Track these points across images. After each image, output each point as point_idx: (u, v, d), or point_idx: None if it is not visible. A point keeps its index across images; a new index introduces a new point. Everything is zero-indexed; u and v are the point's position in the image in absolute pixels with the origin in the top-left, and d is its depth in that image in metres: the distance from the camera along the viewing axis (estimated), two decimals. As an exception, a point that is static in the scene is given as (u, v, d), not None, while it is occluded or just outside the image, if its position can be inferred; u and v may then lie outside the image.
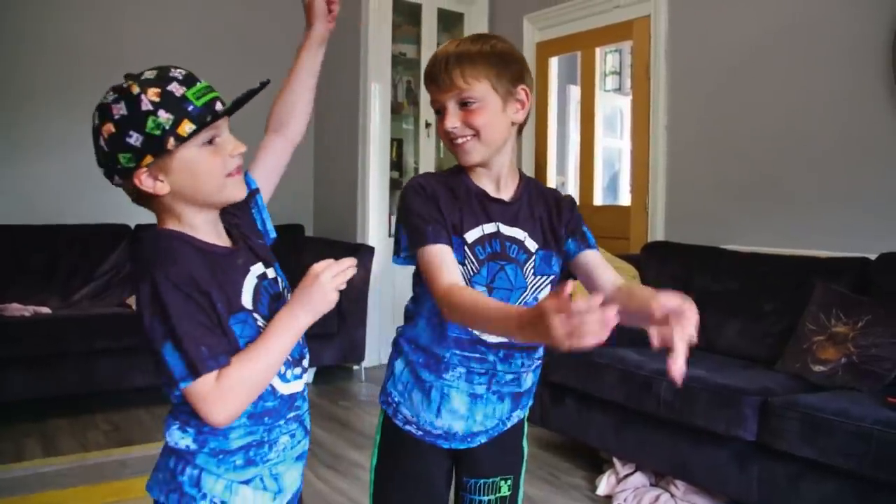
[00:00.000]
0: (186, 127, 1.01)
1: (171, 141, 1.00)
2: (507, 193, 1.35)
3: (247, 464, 1.10)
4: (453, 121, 1.27)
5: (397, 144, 5.21)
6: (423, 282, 1.29)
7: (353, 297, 4.25)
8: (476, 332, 1.29)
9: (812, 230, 3.17)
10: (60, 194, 4.34)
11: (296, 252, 4.77)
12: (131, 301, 4.02)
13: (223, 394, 1.00)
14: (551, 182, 4.73)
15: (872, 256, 2.73)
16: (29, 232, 4.06)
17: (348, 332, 4.27)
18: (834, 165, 3.11)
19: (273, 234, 1.27)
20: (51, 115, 4.30)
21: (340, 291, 1.07)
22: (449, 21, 5.11)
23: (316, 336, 4.14)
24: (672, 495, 2.58)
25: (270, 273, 1.18)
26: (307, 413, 1.22)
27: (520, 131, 1.36)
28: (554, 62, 4.65)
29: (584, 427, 2.88)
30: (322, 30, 1.29)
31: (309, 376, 4.34)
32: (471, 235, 1.29)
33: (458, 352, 1.31)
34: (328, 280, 1.04)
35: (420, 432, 1.37)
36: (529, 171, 4.62)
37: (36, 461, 2.95)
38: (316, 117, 5.34)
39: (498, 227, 1.31)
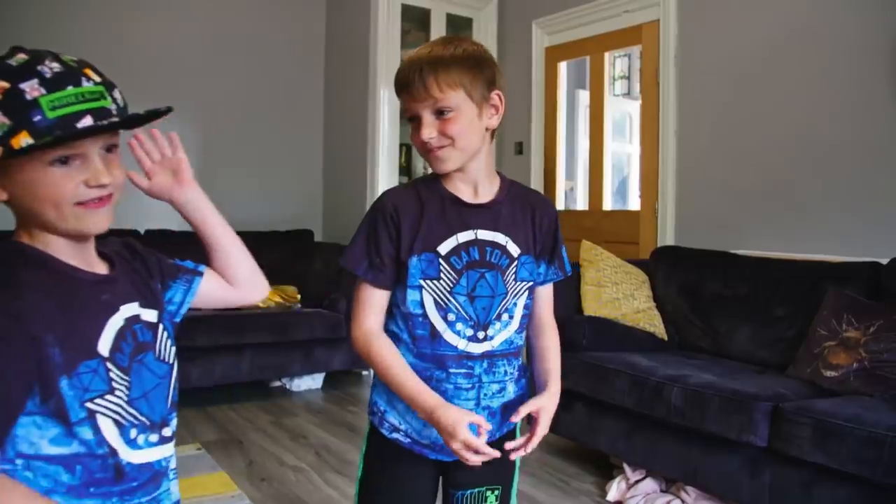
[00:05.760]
0: (22, 140, 0.81)
1: (0, 151, 0.81)
2: (486, 198, 1.31)
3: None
4: (430, 131, 1.22)
5: (406, 150, 5.23)
6: (395, 302, 1.30)
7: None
8: (461, 347, 1.27)
9: (823, 235, 3.15)
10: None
11: (305, 257, 4.79)
12: None
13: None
14: (560, 187, 4.72)
15: (884, 261, 2.72)
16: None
17: (357, 337, 4.25)
18: (844, 170, 3.10)
19: (178, 319, 1.07)
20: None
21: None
22: (457, 26, 5.11)
23: (325, 341, 4.15)
24: (683, 501, 2.57)
25: (148, 316, 0.97)
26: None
27: (492, 136, 1.32)
28: (563, 67, 4.65)
29: (595, 433, 2.87)
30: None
31: (318, 382, 4.35)
32: (444, 247, 1.26)
33: (442, 371, 1.27)
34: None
35: (408, 440, 1.32)
36: (538, 176, 4.62)
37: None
38: (325, 123, 5.37)
39: (476, 233, 1.27)
